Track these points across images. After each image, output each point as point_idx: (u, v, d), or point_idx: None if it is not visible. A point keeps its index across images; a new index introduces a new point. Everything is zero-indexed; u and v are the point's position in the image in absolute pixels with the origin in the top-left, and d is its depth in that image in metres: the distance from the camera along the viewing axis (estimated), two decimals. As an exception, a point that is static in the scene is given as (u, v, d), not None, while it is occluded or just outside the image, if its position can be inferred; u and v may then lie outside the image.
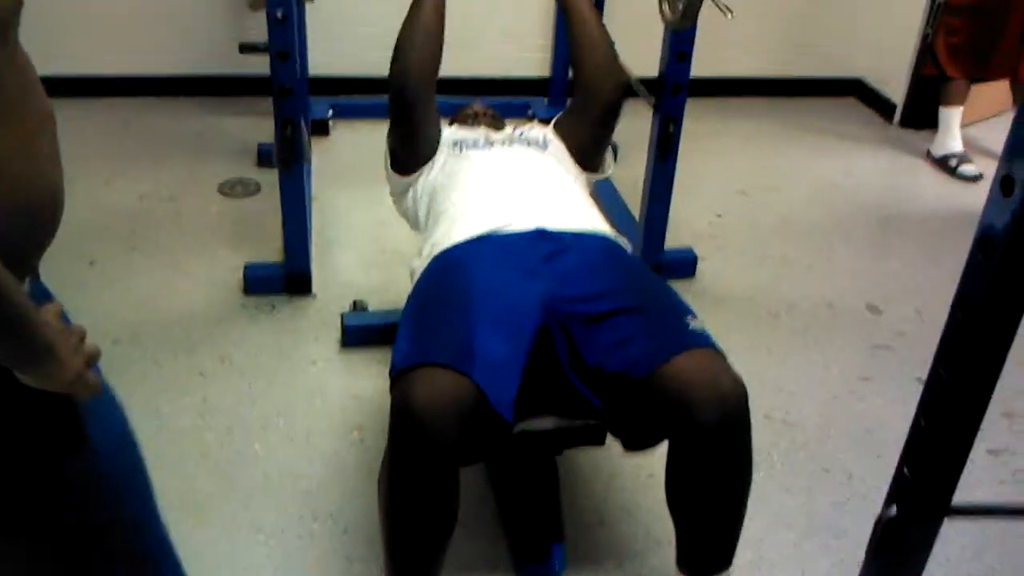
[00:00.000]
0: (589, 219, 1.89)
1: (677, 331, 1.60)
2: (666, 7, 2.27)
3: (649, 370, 1.53)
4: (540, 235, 1.78)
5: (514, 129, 2.22)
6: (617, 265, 1.78)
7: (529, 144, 2.10)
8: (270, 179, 3.26)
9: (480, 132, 2.16)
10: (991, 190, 1.22)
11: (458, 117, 2.34)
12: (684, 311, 1.66)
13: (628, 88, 2.22)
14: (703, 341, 1.59)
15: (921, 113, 4.12)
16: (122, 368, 2.36)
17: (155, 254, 2.85)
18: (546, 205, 1.87)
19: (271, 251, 2.84)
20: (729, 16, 2.15)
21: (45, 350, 0.89)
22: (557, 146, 2.14)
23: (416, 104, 2.04)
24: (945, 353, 1.28)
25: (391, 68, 2.04)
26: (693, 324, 1.62)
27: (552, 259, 1.74)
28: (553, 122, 2.26)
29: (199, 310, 2.61)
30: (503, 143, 2.10)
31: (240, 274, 2.69)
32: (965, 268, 1.30)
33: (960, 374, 1.28)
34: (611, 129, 2.20)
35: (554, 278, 1.69)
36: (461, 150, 2.07)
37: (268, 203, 3.13)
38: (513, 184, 1.93)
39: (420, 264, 1.85)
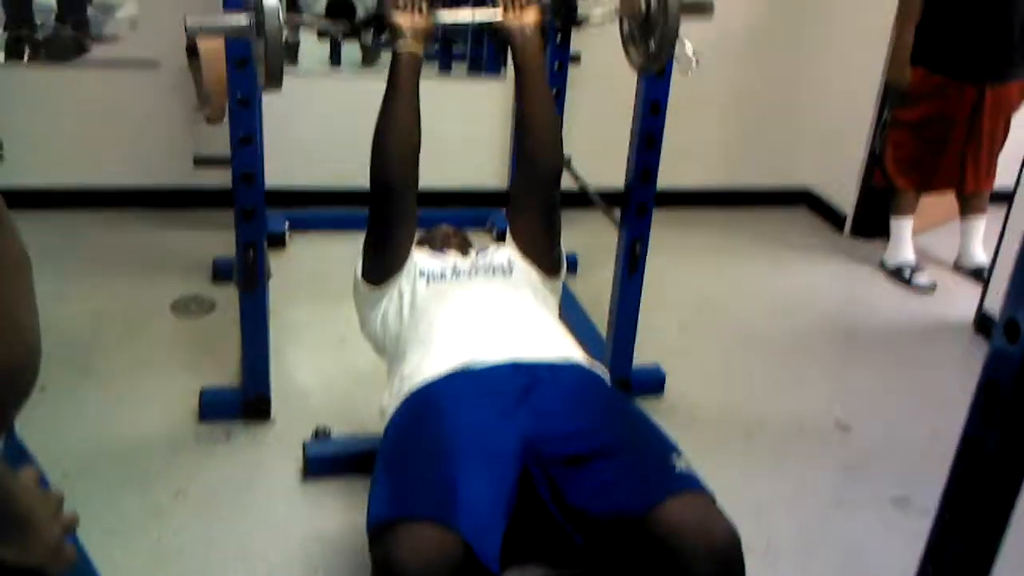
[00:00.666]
0: (563, 347, 1.86)
1: (663, 473, 1.54)
2: (633, 50, 2.25)
3: (636, 516, 1.47)
4: (514, 369, 1.73)
5: (477, 254, 2.18)
6: (596, 399, 1.74)
7: (495, 272, 2.07)
8: (225, 295, 3.19)
9: (448, 260, 2.12)
10: (995, 335, 1.20)
11: (426, 240, 2.30)
12: (669, 449, 1.62)
13: (563, 168, 2.21)
14: (692, 484, 1.54)
15: (871, 222, 4.21)
16: (72, 505, 2.22)
17: (107, 378, 2.73)
18: (518, 335, 1.84)
19: (227, 373, 2.74)
20: (694, 66, 2.15)
21: (23, 519, 0.85)
22: (521, 267, 2.11)
23: (397, 199, 2.02)
24: (952, 498, 1.24)
25: (372, 163, 2.01)
26: (679, 464, 1.57)
27: (528, 394, 1.68)
28: (508, 230, 2.23)
29: (153, 439, 2.49)
30: (469, 273, 2.06)
31: (196, 399, 2.58)
32: (970, 412, 1.26)
33: (969, 519, 1.24)
34: (555, 209, 2.18)
35: (532, 416, 1.64)
36: (428, 282, 2.02)
37: (224, 321, 3.05)
38: (482, 316, 1.90)
39: (391, 403, 1.79)
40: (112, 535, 2.13)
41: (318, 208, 4.00)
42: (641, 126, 2.53)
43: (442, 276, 2.07)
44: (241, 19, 1.84)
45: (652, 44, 2.14)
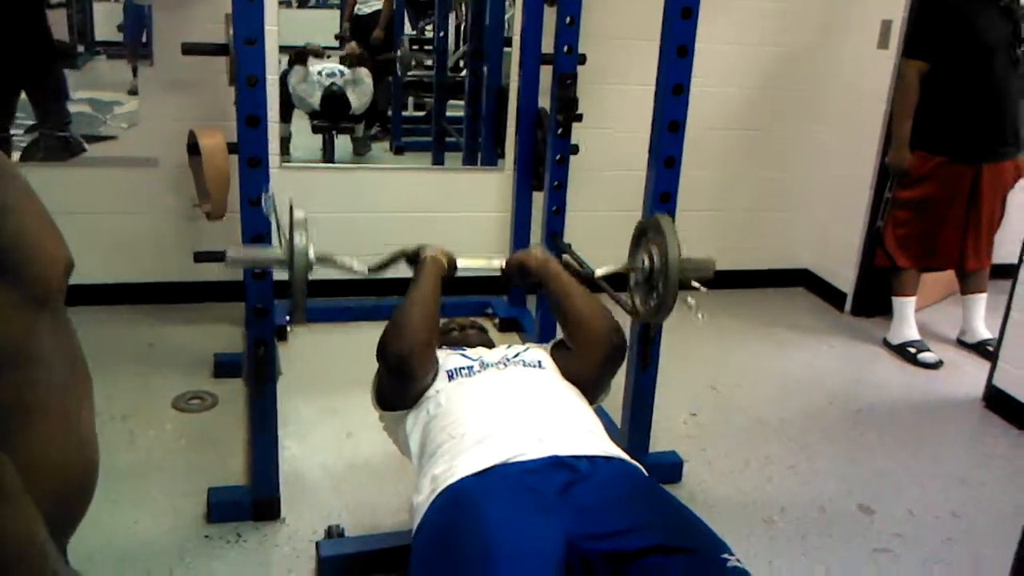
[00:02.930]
0: (601, 440, 1.79)
1: (717, 572, 1.48)
2: (638, 300, 2.28)
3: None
4: (555, 464, 1.66)
5: (507, 348, 2.13)
6: (639, 493, 1.68)
7: (525, 364, 2.02)
8: (227, 390, 3.13)
9: (475, 355, 2.07)
10: None
11: (443, 337, 2.26)
12: (719, 547, 1.55)
13: (625, 344, 2.18)
14: (747, 583, 1.48)
15: (871, 301, 4.21)
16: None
17: (109, 481, 2.62)
18: (556, 430, 1.77)
19: (233, 470, 2.67)
20: (699, 319, 2.19)
21: None
22: (554, 367, 2.06)
23: (416, 376, 1.96)
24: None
25: (388, 341, 1.95)
26: (732, 562, 1.51)
27: (570, 490, 1.62)
28: (550, 350, 2.18)
29: (160, 542, 2.39)
30: (498, 365, 2.01)
31: (201, 499, 2.50)
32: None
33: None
34: (612, 376, 2.14)
35: (574, 513, 1.57)
36: (457, 380, 1.97)
37: (226, 417, 2.99)
38: (516, 410, 1.83)
39: (422, 501, 1.71)
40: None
41: (316, 299, 3.96)
42: (649, 214, 2.53)
43: (470, 371, 2.01)
44: (278, 253, 1.93)
45: (653, 301, 2.21)
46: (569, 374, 2.06)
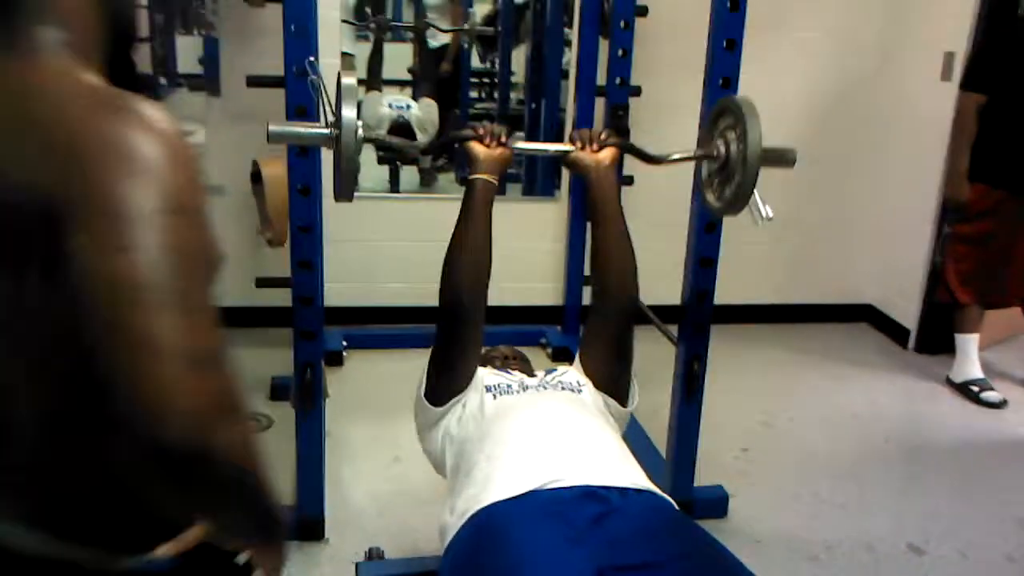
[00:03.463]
0: (633, 474, 1.79)
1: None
2: (711, 196, 2.23)
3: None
4: (587, 495, 1.66)
5: (546, 374, 2.15)
6: (669, 527, 1.67)
7: (563, 388, 2.04)
8: (282, 413, 3.19)
9: (515, 377, 2.10)
10: None
11: (485, 360, 2.29)
12: (749, 581, 1.54)
13: (637, 302, 2.14)
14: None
15: (936, 338, 4.12)
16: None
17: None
18: (590, 459, 1.77)
19: (283, 491, 2.72)
20: (761, 224, 2.10)
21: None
22: (590, 390, 2.07)
23: (467, 321, 1.98)
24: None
25: (442, 287, 1.98)
26: (760, 596, 1.49)
27: (602, 522, 1.61)
28: (577, 356, 2.20)
29: None
30: (537, 388, 2.03)
31: (250, 520, 2.56)
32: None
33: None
34: (629, 342, 2.13)
35: (604, 543, 1.57)
36: (495, 396, 1.99)
37: (280, 439, 3.02)
38: (553, 435, 1.84)
39: (453, 522, 1.73)
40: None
41: (375, 326, 4.04)
42: (696, 246, 2.54)
43: (508, 389, 2.04)
44: (322, 129, 1.86)
45: (728, 191, 2.13)
46: (594, 358, 2.10)
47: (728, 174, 2.12)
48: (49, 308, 0.86)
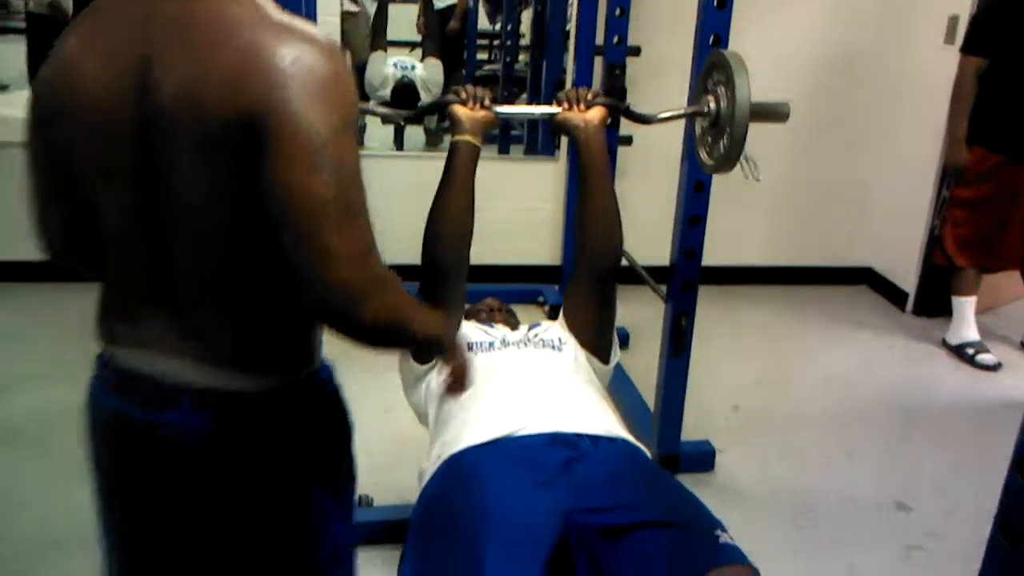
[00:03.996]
0: (606, 423, 1.82)
1: (706, 546, 1.50)
2: (703, 153, 2.24)
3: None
4: (555, 440, 1.71)
5: (529, 329, 2.18)
6: (638, 473, 1.70)
7: (544, 345, 2.06)
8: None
9: (496, 332, 2.12)
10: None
11: (471, 313, 2.31)
12: (712, 524, 1.57)
13: (620, 259, 2.17)
14: (736, 557, 1.49)
15: (934, 301, 4.12)
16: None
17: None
18: (561, 408, 1.81)
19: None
20: (752, 178, 2.11)
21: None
22: (572, 345, 2.09)
23: (449, 281, 2.01)
24: (1005, 523, 1.18)
25: (424, 246, 2.01)
26: (723, 538, 1.52)
27: (569, 466, 1.66)
28: (561, 312, 2.23)
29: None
30: (518, 344, 2.06)
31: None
32: (1004, 490, 1.22)
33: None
34: (611, 298, 2.15)
35: (571, 487, 1.61)
36: (476, 352, 2.02)
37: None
38: (527, 386, 1.88)
39: (429, 467, 1.78)
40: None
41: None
42: (685, 204, 2.54)
43: (490, 346, 2.07)
44: None
45: (720, 147, 2.13)
46: (576, 312, 2.13)
47: (719, 130, 2.12)
48: (227, 196, 1.09)
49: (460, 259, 2.02)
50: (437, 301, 2.03)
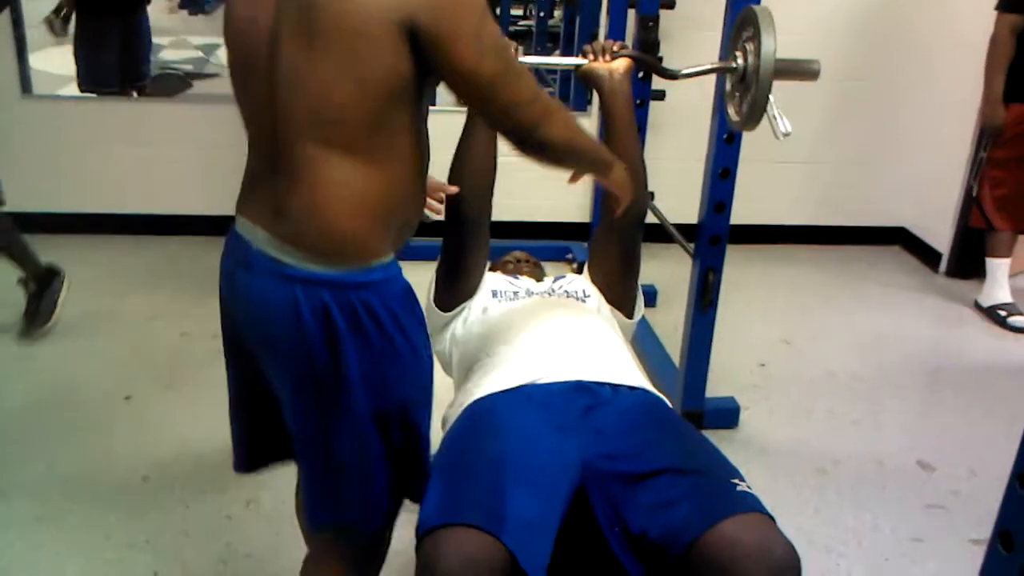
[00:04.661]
0: (629, 373, 1.83)
1: (724, 494, 1.51)
2: (732, 110, 2.23)
3: (695, 535, 1.44)
4: (578, 388, 1.72)
5: (554, 281, 2.19)
6: (658, 422, 1.71)
7: (569, 295, 2.07)
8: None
9: (521, 283, 2.14)
10: None
11: (498, 265, 2.33)
12: (731, 473, 1.58)
13: (645, 212, 2.15)
14: (753, 505, 1.50)
15: (967, 262, 4.08)
16: (149, 507, 2.33)
17: (191, 393, 2.85)
18: (584, 357, 1.82)
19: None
20: (781, 137, 2.08)
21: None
22: (596, 297, 2.11)
23: (471, 229, 2.02)
24: (1003, 531, 1.20)
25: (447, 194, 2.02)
26: (741, 487, 1.53)
27: (590, 414, 1.67)
28: (585, 266, 2.23)
29: (230, 451, 2.56)
30: (543, 295, 2.07)
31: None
32: (1004, 500, 1.23)
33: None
34: (635, 253, 2.15)
35: (592, 434, 1.63)
36: (500, 300, 2.04)
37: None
38: (551, 335, 1.89)
39: (452, 413, 1.81)
40: (185, 536, 2.22)
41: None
42: (715, 156, 2.53)
43: (515, 295, 2.08)
44: None
45: (747, 103, 2.12)
46: (601, 267, 2.14)
47: (747, 87, 2.11)
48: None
49: (482, 208, 2.03)
50: (459, 255, 2.05)
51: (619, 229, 2.12)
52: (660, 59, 3.36)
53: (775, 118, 2.08)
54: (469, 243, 2.04)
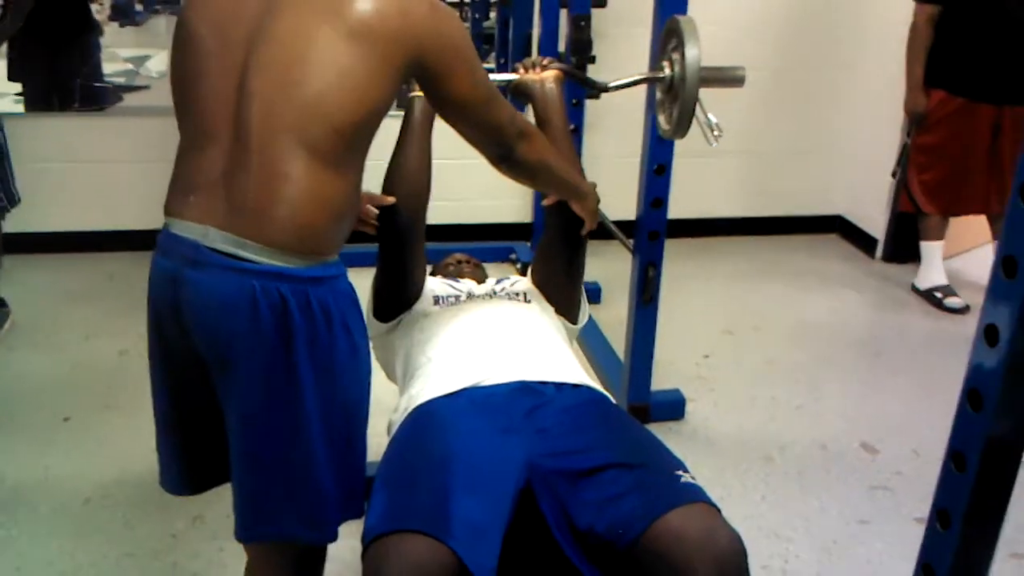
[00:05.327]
0: (571, 371, 1.84)
1: (668, 486, 1.52)
2: (662, 118, 2.26)
3: (641, 529, 1.45)
4: (521, 388, 1.72)
5: (496, 282, 2.19)
6: (601, 418, 1.72)
7: (510, 297, 2.07)
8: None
9: (463, 286, 2.13)
10: (975, 341, 1.21)
11: (439, 267, 2.32)
12: (675, 464, 1.59)
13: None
14: (696, 495, 1.51)
15: (903, 248, 4.17)
16: (92, 529, 2.28)
17: (131, 412, 2.79)
18: (527, 357, 1.82)
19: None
20: (713, 143, 2.13)
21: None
22: (538, 299, 2.11)
23: (406, 235, 2.00)
24: (940, 509, 1.23)
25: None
26: (685, 478, 1.55)
27: (533, 413, 1.67)
28: (529, 270, 2.24)
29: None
30: (484, 297, 2.07)
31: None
32: (955, 421, 1.26)
33: (962, 525, 1.23)
34: (580, 264, 2.17)
35: (536, 434, 1.63)
36: (440, 305, 2.03)
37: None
38: (492, 337, 1.89)
39: (396, 418, 1.80)
40: (130, 557, 2.18)
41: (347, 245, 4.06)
42: (650, 153, 2.55)
43: (456, 300, 2.07)
44: None
45: (675, 112, 2.14)
46: (545, 273, 2.13)
47: (675, 95, 2.14)
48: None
49: (417, 218, 2.01)
50: (397, 266, 2.03)
51: (561, 235, 2.13)
52: (593, 58, 3.39)
53: (706, 125, 2.12)
54: (406, 254, 2.02)
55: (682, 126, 2.13)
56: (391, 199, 1.95)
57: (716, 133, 2.12)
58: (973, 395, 1.22)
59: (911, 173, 3.75)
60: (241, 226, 1.35)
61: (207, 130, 1.41)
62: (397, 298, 2.06)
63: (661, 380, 2.86)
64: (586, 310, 2.21)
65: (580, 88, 3.44)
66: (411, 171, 2.00)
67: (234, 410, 1.45)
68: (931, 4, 3.53)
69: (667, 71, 2.14)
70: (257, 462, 1.48)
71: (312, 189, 1.36)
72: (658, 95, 2.26)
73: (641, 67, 2.37)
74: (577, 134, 3.50)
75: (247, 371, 1.40)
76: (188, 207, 1.41)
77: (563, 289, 2.15)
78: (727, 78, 2.14)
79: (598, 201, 2.07)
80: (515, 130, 1.61)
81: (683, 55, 2.04)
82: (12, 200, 3.23)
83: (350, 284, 1.49)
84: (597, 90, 2.28)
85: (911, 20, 3.59)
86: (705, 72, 2.04)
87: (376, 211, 1.96)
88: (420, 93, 2.01)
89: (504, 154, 1.63)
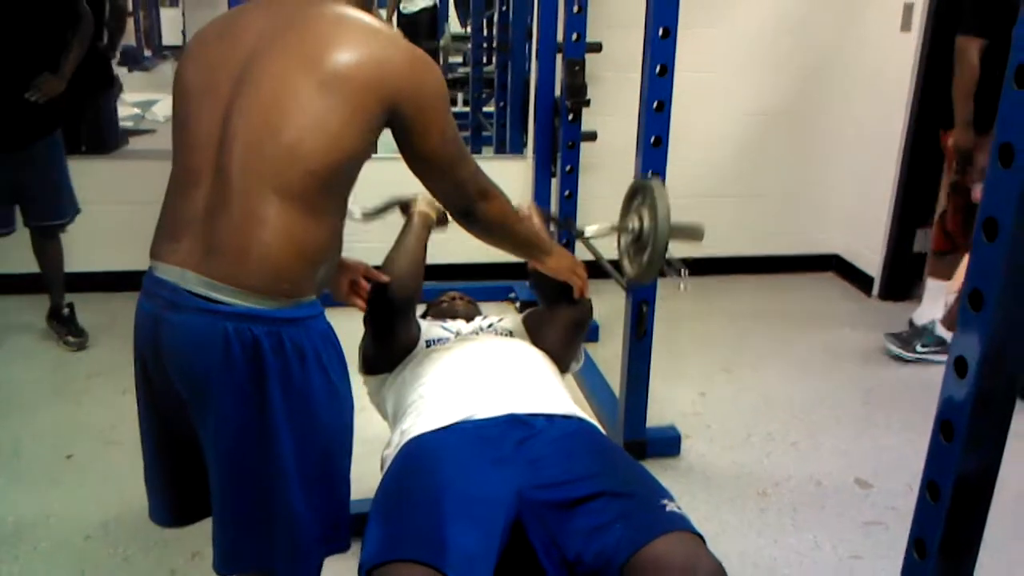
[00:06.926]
0: (560, 402, 1.88)
1: (653, 515, 1.55)
2: (628, 263, 2.37)
3: (627, 556, 1.48)
4: (511, 421, 1.76)
5: (483, 319, 2.25)
6: (591, 448, 1.75)
7: (497, 333, 2.12)
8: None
9: (452, 327, 2.18)
10: (946, 374, 1.25)
11: (432, 304, 2.36)
12: (660, 494, 1.62)
13: (591, 311, 2.29)
14: (681, 524, 1.55)
15: (899, 284, 4.21)
16: (92, 566, 2.30)
17: (133, 449, 2.78)
18: (516, 390, 1.86)
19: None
20: (683, 289, 2.28)
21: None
22: (524, 334, 2.16)
23: (397, 314, 2.06)
24: (917, 539, 1.26)
25: (371, 295, 2.05)
26: (670, 507, 1.58)
27: (524, 445, 1.71)
28: (523, 317, 2.29)
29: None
30: (472, 334, 2.12)
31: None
32: (929, 452, 1.30)
33: (938, 555, 1.26)
34: (580, 341, 2.26)
35: (526, 465, 1.67)
36: (432, 347, 2.08)
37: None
38: (482, 372, 1.93)
39: (389, 453, 1.83)
40: (128, 595, 2.19)
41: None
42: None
43: (446, 341, 2.12)
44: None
45: (642, 261, 2.26)
46: (539, 339, 2.16)
47: (642, 245, 2.27)
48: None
49: (411, 298, 2.09)
50: (387, 338, 2.09)
51: (569, 322, 2.22)
52: (588, 101, 3.46)
53: (675, 274, 2.25)
54: (397, 327, 2.09)
55: (650, 275, 2.28)
56: (387, 277, 2.00)
57: (683, 285, 2.26)
58: (945, 426, 1.26)
59: (950, 212, 3.61)
60: (217, 268, 1.38)
61: (192, 168, 1.45)
62: (386, 360, 2.12)
63: (657, 417, 2.88)
64: (580, 361, 2.28)
65: (575, 128, 3.53)
66: (403, 278, 2.06)
67: (211, 446, 1.49)
68: (979, 37, 3.28)
69: (635, 224, 2.27)
70: (234, 496, 1.52)
71: (287, 232, 1.39)
72: (623, 243, 2.38)
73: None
74: (574, 175, 3.56)
75: (221, 409, 1.43)
76: (169, 250, 1.45)
77: (560, 349, 2.21)
78: (691, 233, 2.26)
79: (572, 260, 2.15)
80: (476, 188, 1.66)
81: (654, 213, 2.18)
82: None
83: (328, 324, 1.51)
84: (574, 235, 2.41)
85: (899, 58, 3.55)
86: (674, 227, 2.17)
87: (369, 285, 2.00)
88: (419, 209, 2.13)
89: (466, 210, 1.68)
